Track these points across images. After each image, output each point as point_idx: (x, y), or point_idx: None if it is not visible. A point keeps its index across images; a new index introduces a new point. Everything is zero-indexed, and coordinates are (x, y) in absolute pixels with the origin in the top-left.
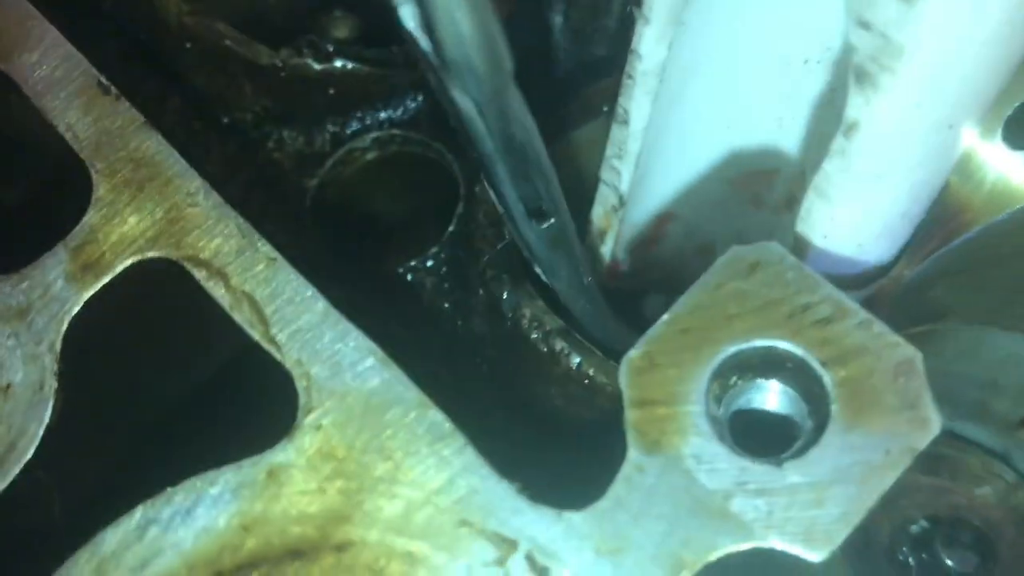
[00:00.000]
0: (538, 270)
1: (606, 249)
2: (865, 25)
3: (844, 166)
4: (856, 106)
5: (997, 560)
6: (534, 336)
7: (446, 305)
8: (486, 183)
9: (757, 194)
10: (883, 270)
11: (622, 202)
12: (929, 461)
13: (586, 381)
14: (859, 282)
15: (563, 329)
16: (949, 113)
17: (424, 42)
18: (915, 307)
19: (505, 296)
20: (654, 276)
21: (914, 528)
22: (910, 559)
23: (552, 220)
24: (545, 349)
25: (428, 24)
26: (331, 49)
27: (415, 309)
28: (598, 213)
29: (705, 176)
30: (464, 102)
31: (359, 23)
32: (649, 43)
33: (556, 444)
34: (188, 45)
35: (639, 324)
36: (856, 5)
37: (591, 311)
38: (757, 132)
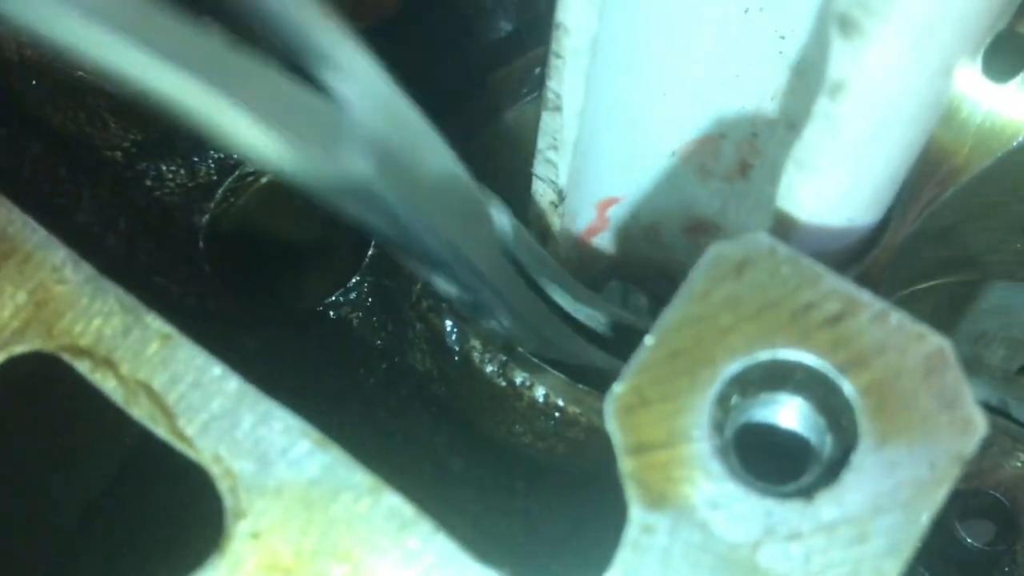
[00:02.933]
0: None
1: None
2: None
3: (831, 131)
4: (842, 63)
5: (1015, 528)
6: (489, 369)
7: (378, 342)
8: None
9: (703, 164)
10: (874, 239)
11: (562, 197)
12: None
13: (556, 414)
14: (851, 257)
15: (521, 357)
16: (947, 55)
17: None
18: (906, 270)
19: (448, 327)
20: (600, 266)
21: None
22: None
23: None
24: (504, 383)
25: None
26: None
27: (344, 349)
28: (534, 213)
29: (645, 152)
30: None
31: (231, 32)
32: (576, 12)
33: (533, 491)
34: (34, 82)
35: None
36: None
37: (565, 332)
38: (698, 97)
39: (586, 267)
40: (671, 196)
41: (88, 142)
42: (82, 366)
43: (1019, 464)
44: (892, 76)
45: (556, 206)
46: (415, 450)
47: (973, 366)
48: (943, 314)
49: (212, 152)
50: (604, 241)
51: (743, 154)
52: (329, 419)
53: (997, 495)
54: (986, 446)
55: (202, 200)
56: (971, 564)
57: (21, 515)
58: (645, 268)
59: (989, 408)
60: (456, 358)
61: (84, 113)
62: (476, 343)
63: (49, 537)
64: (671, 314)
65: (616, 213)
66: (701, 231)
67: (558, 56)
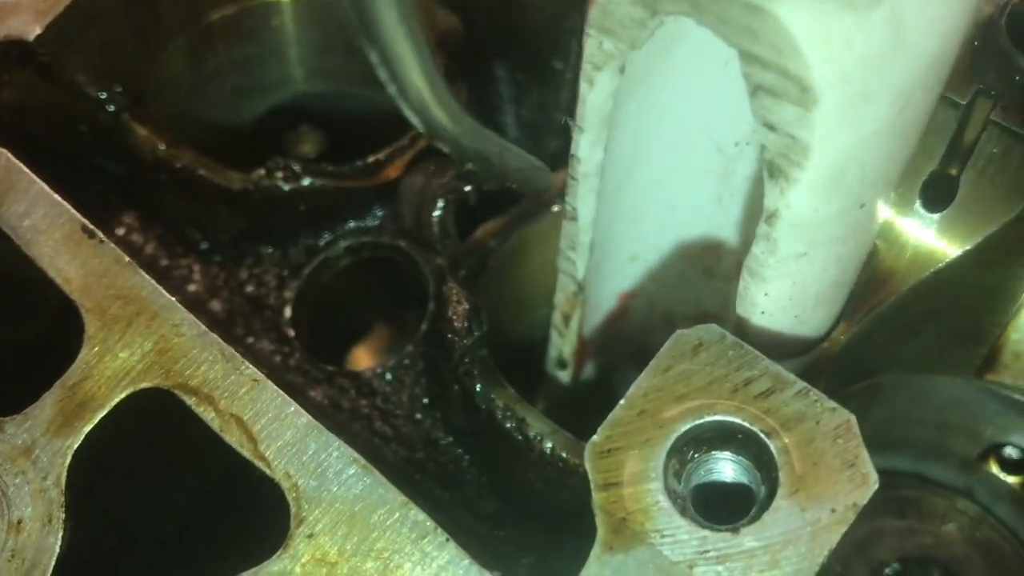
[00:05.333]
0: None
1: (572, 330)
2: (771, 127)
3: (770, 249)
4: (773, 196)
5: None
6: (508, 425)
7: (425, 400)
8: None
9: (708, 267)
10: (824, 336)
11: (581, 288)
12: (896, 504)
13: (560, 464)
14: (802, 349)
15: (536, 415)
16: (857, 196)
17: None
18: (855, 364)
19: (478, 389)
20: (624, 350)
21: (887, 572)
22: None
23: None
24: (520, 437)
25: None
26: (299, 169)
27: (396, 405)
28: (560, 299)
29: (658, 255)
30: None
31: (323, 139)
32: (586, 148)
33: (541, 525)
34: (164, 177)
35: (611, 399)
36: (760, 110)
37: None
38: (700, 211)
39: (609, 349)
40: (683, 292)
41: (202, 227)
42: (190, 400)
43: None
44: (810, 209)
45: (577, 295)
46: (454, 493)
47: (938, 453)
48: (901, 403)
49: (302, 239)
50: (625, 328)
51: (740, 259)
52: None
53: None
54: (944, 522)
55: (291, 278)
56: None
57: (140, 513)
58: None
59: (952, 489)
60: (483, 415)
61: (201, 204)
62: (499, 401)
63: (155, 532)
64: (640, 383)
65: (635, 304)
66: (711, 321)
67: (572, 178)
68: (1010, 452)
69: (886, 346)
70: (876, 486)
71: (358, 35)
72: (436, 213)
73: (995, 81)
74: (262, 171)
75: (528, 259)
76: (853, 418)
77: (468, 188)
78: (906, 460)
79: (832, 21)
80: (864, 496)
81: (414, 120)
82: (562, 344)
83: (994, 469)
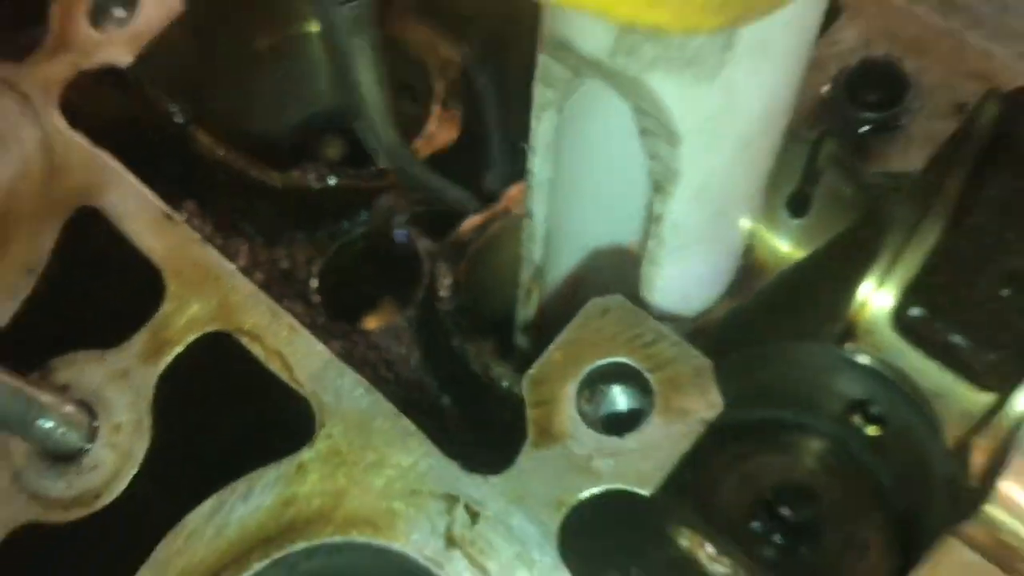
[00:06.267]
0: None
1: (533, 303)
2: (653, 157)
3: (658, 243)
4: (658, 205)
5: (822, 509)
6: (476, 370)
7: (417, 353)
8: None
9: (633, 257)
10: (707, 310)
11: (539, 271)
12: (781, 447)
13: (516, 399)
14: (688, 317)
15: (497, 362)
16: (719, 207)
17: None
18: (740, 333)
19: (455, 343)
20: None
21: (768, 495)
22: (761, 525)
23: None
24: (486, 378)
25: None
26: (326, 171)
27: (396, 356)
28: (523, 278)
29: (600, 248)
30: None
31: (346, 146)
32: (537, 165)
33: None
34: (220, 176)
35: None
36: (646, 145)
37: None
38: (629, 214)
39: (562, 319)
40: (622, 277)
41: (245, 216)
42: (244, 340)
43: None
44: (683, 215)
45: (535, 277)
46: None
47: (814, 407)
48: (779, 366)
49: (327, 226)
50: (574, 302)
51: None
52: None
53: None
54: (817, 462)
55: (317, 257)
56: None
57: (208, 426)
58: None
59: (827, 437)
60: (460, 363)
61: (245, 198)
62: (472, 353)
63: (219, 438)
64: (564, 334)
65: (583, 289)
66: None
67: (529, 186)
68: (871, 409)
69: (766, 320)
70: (721, 409)
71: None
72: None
73: (837, 124)
74: (297, 172)
75: (500, 248)
76: (709, 363)
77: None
78: (788, 413)
79: (686, 89)
80: (711, 416)
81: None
82: (525, 314)
83: (858, 422)
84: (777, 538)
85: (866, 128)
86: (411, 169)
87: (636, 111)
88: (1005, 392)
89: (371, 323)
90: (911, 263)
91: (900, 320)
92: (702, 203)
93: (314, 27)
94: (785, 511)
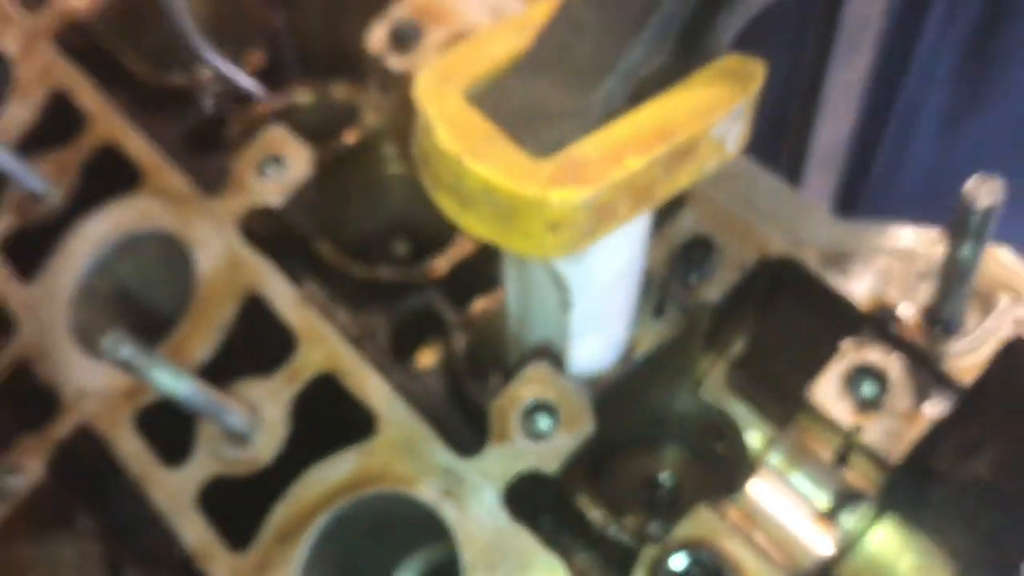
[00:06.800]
0: None
1: (514, 356)
2: (560, 288)
3: (568, 335)
4: (566, 317)
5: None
6: (479, 399)
7: (444, 388)
8: None
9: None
10: (606, 371)
11: (515, 337)
12: (669, 452)
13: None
14: (593, 377)
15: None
16: (601, 319)
17: None
18: (625, 387)
19: (466, 382)
20: None
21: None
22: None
23: None
24: (483, 406)
25: None
26: (394, 264)
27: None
28: (508, 340)
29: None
30: None
31: (412, 246)
32: (508, 290)
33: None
34: (330, 270)
35: None
36: (556, 287)
37: None
38: (554, 320)
39: None
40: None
41: (340, 288)
42: (341, 377)
43: None
44: (580, 323)
45: (515, 342)
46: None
47: (691, 428)
48: (659, 400)
49: (391, 302)
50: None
51: None
52: None
53: None
54: (688, 463)
55: (387, 319)
56: None
57: (308, 435)
58: None
59: (693, 448)
60: (468, 392)
61: (339, 286)
62: (485, 396)
63: (315, 445)
64: (513, 382)
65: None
66: None
67: (505, 294)
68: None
69: (644, 377)
70: (593, 429)
71: None
72: None
73: (678, 270)
74: (372, 266)
75: (495, 320)
76: (588, 401)
77: None
78: (663, 430)
79: (566, 266)
80: (589, 431)
81: None
82: (509, 363)
83: (709, 439)
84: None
85: (692, 274)
86: None
87: (550, 272)
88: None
89: (419, 364)
90: (731, 348)
91: (728, 379)
92: (589, 317)
93: (393, 170)
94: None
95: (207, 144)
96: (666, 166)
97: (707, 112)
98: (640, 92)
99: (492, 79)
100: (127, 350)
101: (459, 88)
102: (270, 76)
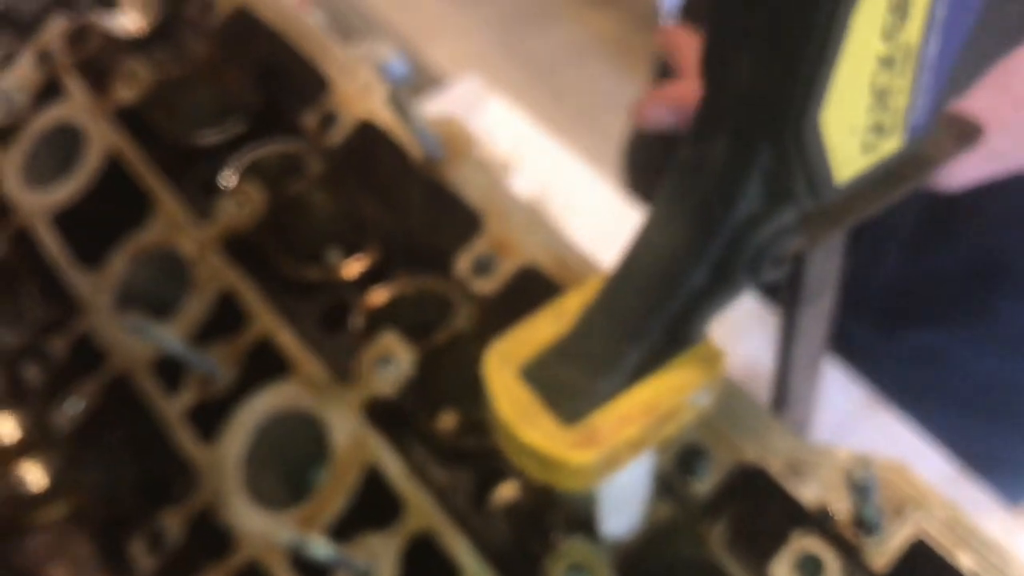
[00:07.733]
0: None
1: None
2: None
3: (598, 517)
4: (591, 507)
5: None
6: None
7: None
8: None
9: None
10: (630, 536)
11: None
12: None
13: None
14: (622, 541)
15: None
16: (622, 506)
17: None
18: (645, 548)
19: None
20: None
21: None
22: None
23: None
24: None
25: None
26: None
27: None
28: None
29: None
30: None
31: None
32: None
33: None
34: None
35: None
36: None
37: None
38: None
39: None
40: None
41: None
42: None
43: None
44: (605, 509)
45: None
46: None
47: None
48: None
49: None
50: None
51: None
52: None
53: None
54: None
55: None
56: None
57: None
58: None
59: None
60: None
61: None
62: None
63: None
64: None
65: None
66: None
67: None
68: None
69: (660, 541)
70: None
71: None
72: None
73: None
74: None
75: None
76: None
77: None
78: None
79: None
80: None
81: None
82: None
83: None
84: None
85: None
86: None
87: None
88: None
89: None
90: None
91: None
92: (612, 506)
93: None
94: None
95: (337, 324)
96: (655, 427)
97: (686, 388)
98: (635, 374)
99: (537, 358)
100: (322, 550)
101: (514, 366)
102: (381, 269)
